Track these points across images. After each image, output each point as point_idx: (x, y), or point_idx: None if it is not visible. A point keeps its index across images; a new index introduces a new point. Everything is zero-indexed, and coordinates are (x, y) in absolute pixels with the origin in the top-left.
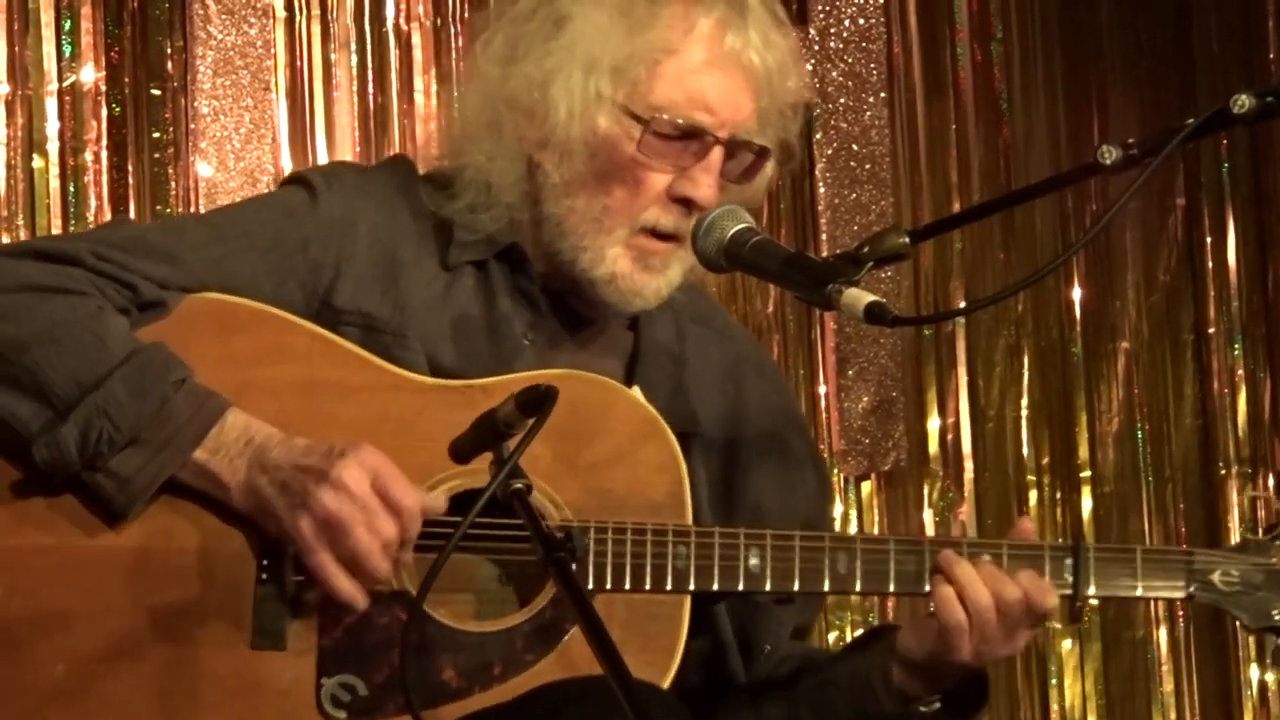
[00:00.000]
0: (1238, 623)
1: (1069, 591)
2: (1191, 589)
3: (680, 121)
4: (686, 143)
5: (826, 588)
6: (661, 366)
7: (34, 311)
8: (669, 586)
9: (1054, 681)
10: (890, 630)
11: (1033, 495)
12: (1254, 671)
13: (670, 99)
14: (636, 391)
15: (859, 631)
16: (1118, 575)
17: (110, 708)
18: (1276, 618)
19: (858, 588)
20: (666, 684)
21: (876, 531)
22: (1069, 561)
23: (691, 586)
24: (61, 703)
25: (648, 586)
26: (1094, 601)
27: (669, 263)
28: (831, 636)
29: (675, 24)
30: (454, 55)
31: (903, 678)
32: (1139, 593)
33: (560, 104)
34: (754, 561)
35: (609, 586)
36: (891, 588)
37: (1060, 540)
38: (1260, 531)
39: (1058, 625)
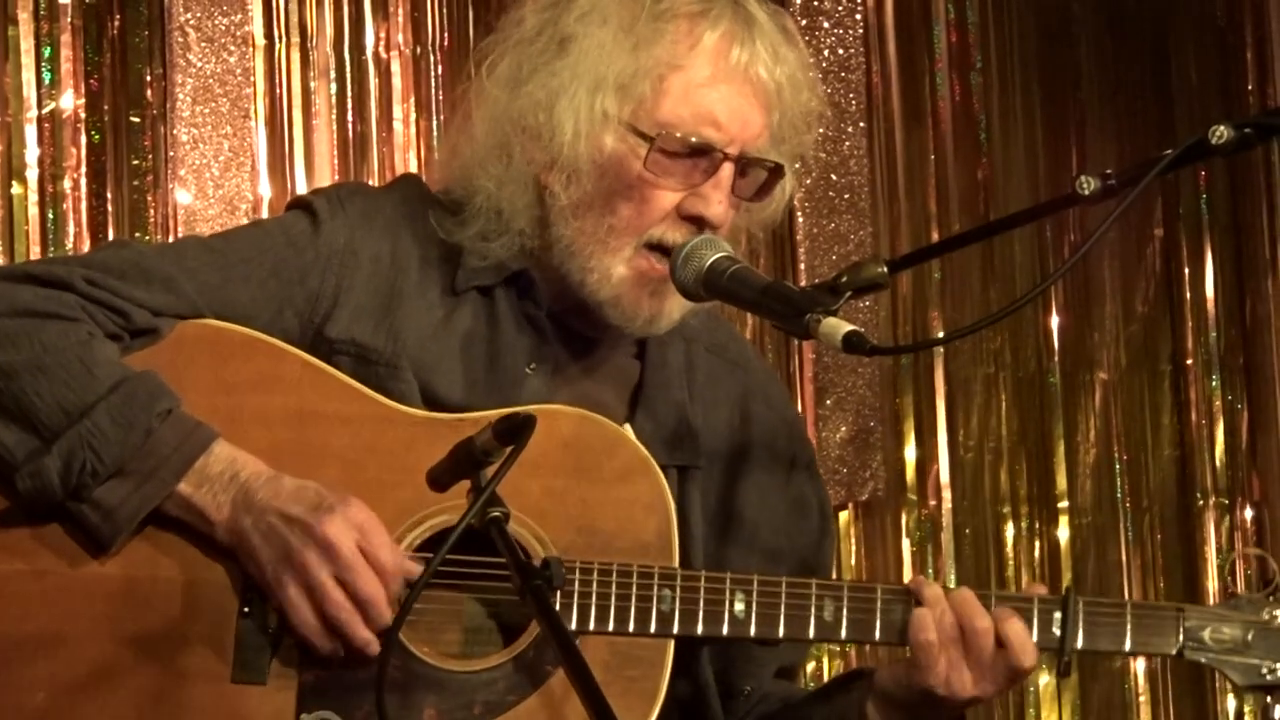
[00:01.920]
0: (1228, 682)
1: (1056, 645)
2: (1182, 648)
3: (688, 138)
4: (695, 160)
5: (812, 635)
6: (666, 397)
7: (24, 337)
8: (653, 630)
9: (1031, 712)
10: (869, 671)
11: (1010, 526)
12: (1230, 702)
13: (677, 115)
14: (628, 429)
15: (833, 661)
16: (1106, 630)
17: None
18: (1267, 677)
19: (843, 636)
20: None
21: (855, 560)
22: (1058, 614)
23: (675, 630)
24: None
25: (631, 629)
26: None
27: (669, 289)
28: (809, 666)
29: (680, 39)
30: (434, 84)
31: (880, 714)
32: (1128, 648)
33: (566, 124)
34: (739, 607)
35: (592, 627)
36: (877, 637)
37: (1045, 587)
38: (1265, 590)
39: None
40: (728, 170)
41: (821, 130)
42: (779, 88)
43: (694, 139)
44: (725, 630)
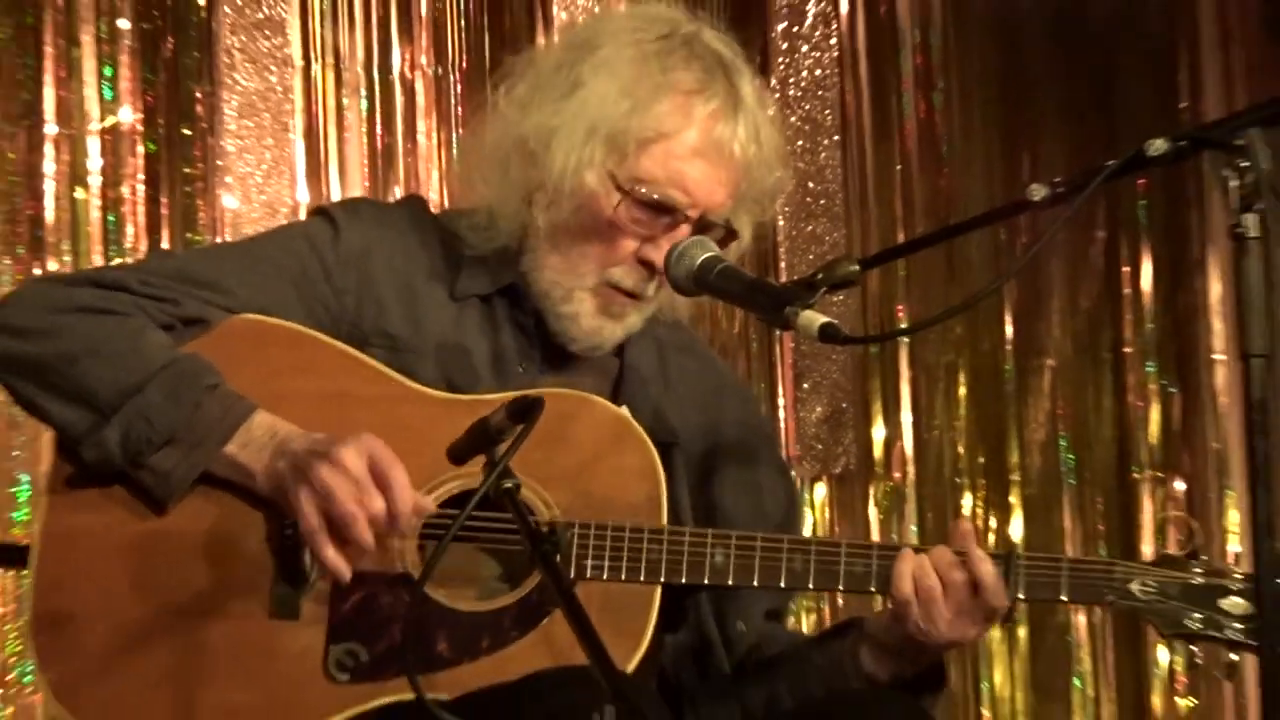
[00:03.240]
0: (1154, 628)
1: None
2: (1113, 598)
3: (656, 196)
4: (659, 215)
5: (783, 584)
6: (643, 388)
7: (82, 329)
8: (642, 578)
9: (984, 660)
10: (860, 620)
11: (967, 496)
12: (1162, 653)
13: (652, 174)
14: (624, 410)
15: (806, 612)
16: (1044, 583)
17: (146, 665)
18: (1189, 625)
19: (810, 585)
20: (634, 662)
21: (828, 527)
22: (1001, 567)
23: (662, 579)
24: (104, 661)
25: (623, 577)
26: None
27: (628, 313)
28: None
29: (674, 111)
30: (453, 101)
31: (870, 660)
32: (1064, 598)
33: (558, 156)
34: (719, 558)
35: (589, 576)
36: (841, 587)
37: (993, 548)
38: (1184, 551)
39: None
40: (685, 229)
41: (800, 143)
42: (749, 165)
43: (657, 197)
44: (706, 578)
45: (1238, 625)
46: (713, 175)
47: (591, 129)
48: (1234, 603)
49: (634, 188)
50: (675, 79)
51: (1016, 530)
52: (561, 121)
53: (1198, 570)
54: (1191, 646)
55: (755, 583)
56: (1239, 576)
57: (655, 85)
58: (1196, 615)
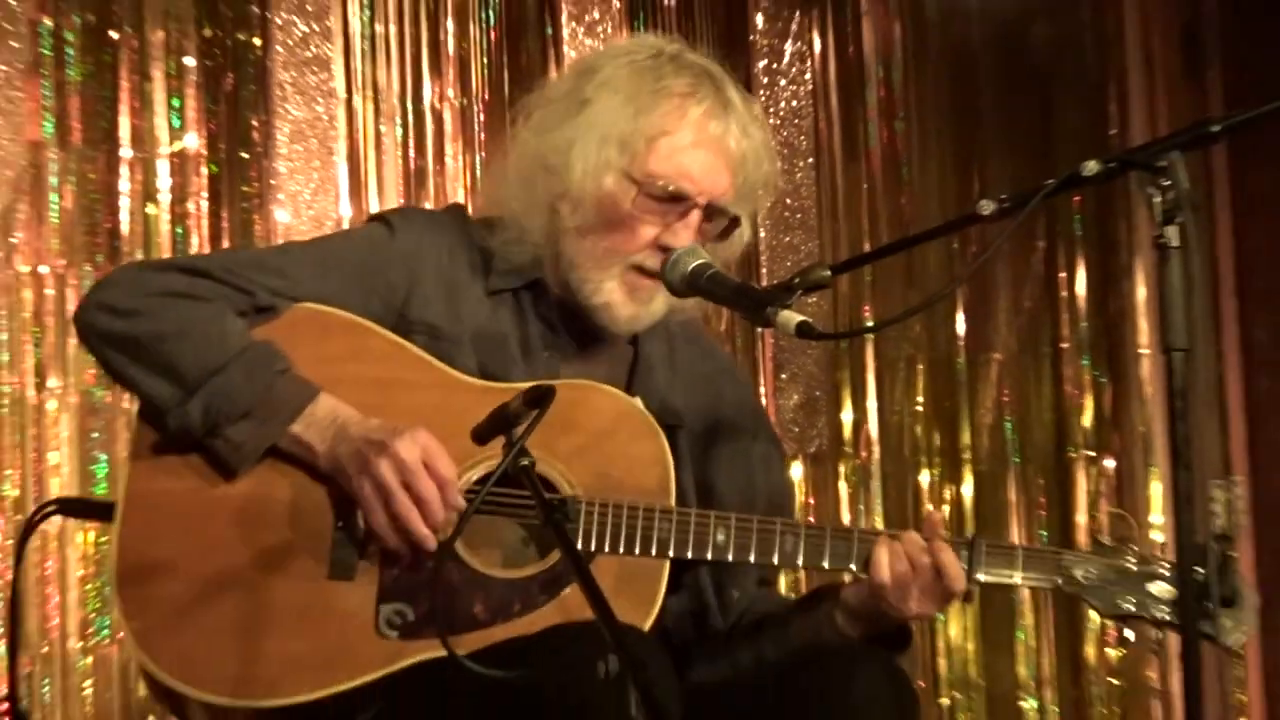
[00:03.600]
0: (1093, 609)
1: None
2: (1059, 581)
3: (669, 188)
4: (673, 204)
5: (776, 561)
6: (655, 374)
7: (171, 312)
8: (653, 552)
9: (941, 618)
10: (837, 587)
11: (924, 473)
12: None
13: (662, 169)
14: (638, 401)
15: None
16: (1000, 565)
17: (216, 617)
18: (1123, 607)
19: (800, 562)
20: (647, 627)
21: (803, 499)
22: (965, 552)
23: (671, 554)
24: (180, 612)
25: (636, 551)
26: (979, 584)
27: (653, 296)
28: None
29: (672, 112)
30: (477, 128)
31: (845, 623)
32: (1018, 581)
33: (577, 165)
34: (720, 537)
35: (606, 550)
36: (826, 564)
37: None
38: (1118, 539)
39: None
40: (696, 215)
41: (779, 164)
42: (744, 157)
43: (671, 188)
44: (709, 554)
45: (1164, 607)
46: (714, 164)
47: (604, 137)
48: (1161, 588)
49: (647, 182)
50: (669, 85)
51: (967, 502)
52: (576, 135)
53: (1130, 559)
54: (1123, 623)
55: (752, 559)
56: (1165, 565)
57: (653, 92)
58: (1130, 598)
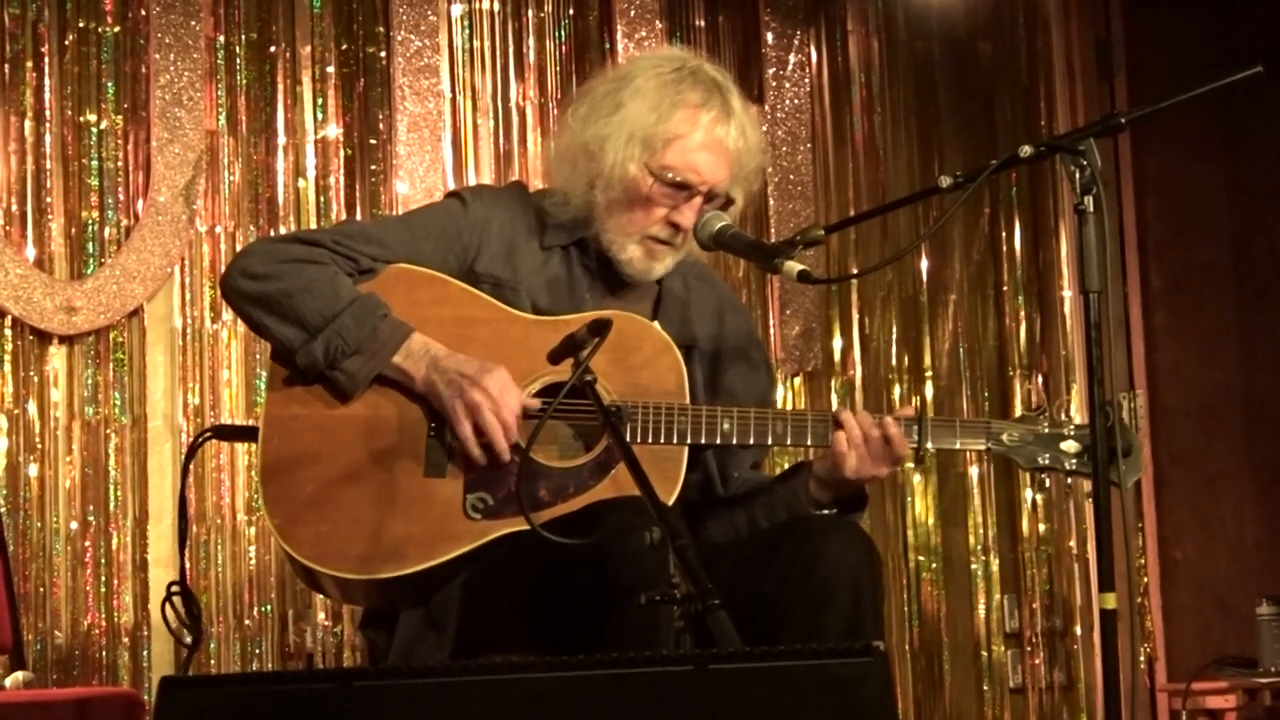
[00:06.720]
0: (1016, 465)
1: (914, 444)
2: (989, 444)
3: (678, 179)
4: (680, 190)
5: (770, 441)
6: (675, 307)
7: (296, 274)
8: (675, 441)
9: (909, 499)
10: (810, 462)
11: (897, 387)
12: (1028, 494)
13: (674, 164)
14: (657, 325)
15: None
16: (944, 435)
17: (339, 511)
18: (1040, 461)
19: (789, 442)
20: (673, 498)
21: (801, 408)
22: (915, 426)
23: (689, 441)
24: (312, 508)
25: (662, 440)
26: (931, 451)
27: (665, 257)
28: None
29: (686, 119)
30: (551, 121)
31: (816, 489)
32: (958, 446)
33: (609, 155)
34: (727, 426)
35: (639, 440)
36: (809, 442)
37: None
38: (1035, 410)
39: (911, 466)
40: (698, 200)
41: (784, 149)
42: (740, 153)
43: (681, 179)
44: (719, 440)
45: (1073, 460)
46: (715, 161)
47: (631, 135)
48: (1070, 445)
49: (662, 173)
50: (686, 97)
51: (930, 408)
52: (610, 131)
53: (1045, 424)
54: (1043, 475)
55: (751, 441)
56: (1073, 426)
57: (673, 102)
58: (1045, 455)
